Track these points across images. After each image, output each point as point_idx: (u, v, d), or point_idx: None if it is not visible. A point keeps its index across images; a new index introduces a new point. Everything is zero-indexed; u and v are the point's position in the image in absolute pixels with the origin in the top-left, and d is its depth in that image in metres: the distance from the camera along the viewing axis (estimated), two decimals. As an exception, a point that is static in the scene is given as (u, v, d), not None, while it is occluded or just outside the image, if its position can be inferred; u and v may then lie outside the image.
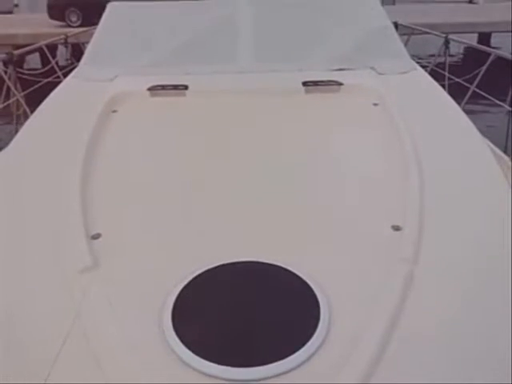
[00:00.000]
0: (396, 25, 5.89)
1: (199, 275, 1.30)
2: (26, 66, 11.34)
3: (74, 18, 13.62)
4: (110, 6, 3.24)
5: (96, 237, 1.49)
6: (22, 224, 1.63)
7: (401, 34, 5.91)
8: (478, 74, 4.61)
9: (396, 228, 1.52)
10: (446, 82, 4.78)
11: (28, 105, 4.48)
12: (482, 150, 2.08)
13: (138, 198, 1.73)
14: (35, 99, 3.61)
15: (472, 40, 13.58)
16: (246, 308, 1.23)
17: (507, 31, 12.20)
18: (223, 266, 1.33)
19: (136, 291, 1.31)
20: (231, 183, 1.79)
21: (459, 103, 2.82)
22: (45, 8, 14.25)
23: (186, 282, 1.28)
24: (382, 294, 1.26)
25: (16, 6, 27.97)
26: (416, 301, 1.26)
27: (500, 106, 4.31)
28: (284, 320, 1.19)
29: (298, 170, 1.90)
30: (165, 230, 1.56)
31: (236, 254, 1.37)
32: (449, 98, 2.62)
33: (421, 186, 1.70)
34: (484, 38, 13.85)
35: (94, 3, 12.16)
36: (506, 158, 2.30)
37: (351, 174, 1.88)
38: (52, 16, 13.88)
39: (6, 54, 4.53)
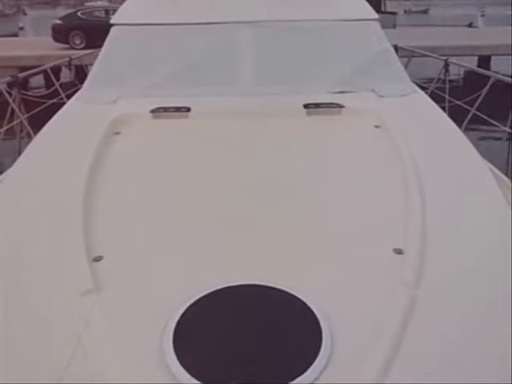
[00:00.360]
0: (396, 48, 5.97)
1: (200, 299, 1.29)
2: (29, 86, 11.50)
3: (77, 41, 13.84)
4: (113, 30, 3.29)
5: (98, 259, 1.48)
6: (26, 245, 1.63)
7: (401, 57, 5.99)
8: (478, 97, 4.65)
9: (398, 251, 1.51)
10: (447, 104, 4.81)
11: (31, 125, 4.52)
12: (483, 172, 2.08)
13: (141, 220, 1.73)
14: (39, 120, 3.65)
15: (472, 63, 13.77)
16: (248, 332, 1.21)
17: (507, 54, 12.33)
18: (224, 289, 1.32)
19: (137, 315, 1.30)
20: (232, 205, 1.79)
21: (460, 125, 2.83)
22: (49, 31, 14.49)
23: (187, 305, 1.27)
24: (383, 318, 1.25)
25: (21, 28, 28.54)
26: (418, 325, 1.25)
27: (500, 128, 4.33)
28: (286, 344, 1.17)
29: (299, 191, 1.90)
30: (167, 253, 1.56)
31: (237, 277, 1.36)
32: (449, 120, 2.63)
33: (422, 209, 1.70)
34: (484, 60, 14.00)
35: (97, 26, 12.41)
36: (507, 179, 2.31)
37: (353, 196, 1.87)
38: (56, 39, 14.12)
39: (11, 76, 4.59)
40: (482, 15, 22.13)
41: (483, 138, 6.18)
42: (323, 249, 1.57)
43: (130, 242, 1.61)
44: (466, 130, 4.20)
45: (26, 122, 4.45)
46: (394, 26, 21.72)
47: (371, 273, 1.45)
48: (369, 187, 1.93)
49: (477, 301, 1.39)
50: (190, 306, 1.27)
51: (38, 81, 11.09)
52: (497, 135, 5.21)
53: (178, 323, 1.22)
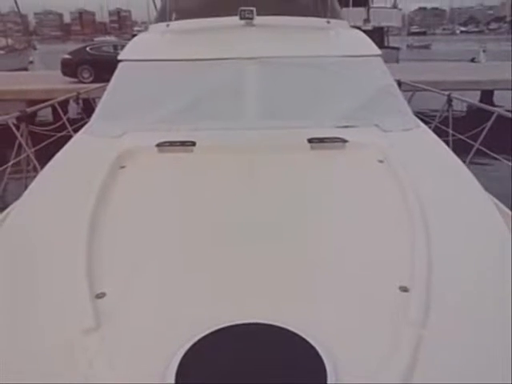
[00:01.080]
0: (399, 83, 6.05)
1: (203, 338, 1.27)
2: (38, 118, 11.68)
3: (86, 75, 14.14)
4: (120, 65, 3.35)
5: (101, 296, 1.47)
6: (29, 281, 1.63)
7: (404, 91, 6.07)
8: (481, 131, 4.68)
9: (403, 289, 1.49)
10: (450, 138, 4.84)
11: (39, 158, 4.57)
12: (487, 207, 2.07)
13: (144, 256, 1.72)
14: (46, 153, 3.69)
15: (475, 97, 13.93)
16: (251, 372, 1.19)
17: (509, 89, 12.48)
18: (228, 327, 1.30)
19: (138, 355, 1.28)
20: (237, 242, 1.78)
21: (463, 159, 2.84)
22: (58, 65, 14.83)
23: (188, 345, 1.25)
24: (390, 359, 1.23)
25: (31, 62, 29.23)
26: (426, 365, 1.23)
27: (504, 160, 4.35)
28: None
29: (303, 227, 1.88)
30: (170, 291, 1.54)
31: (241, 315, 1.34)
32: (453, 155, 2.64)
33: (427, 245, 1.68)
34: (487, 95, 14.15)
35: (105, 61, 12.70)
36: (511, 213, 2.29)
37: (357, 232, 1.86)
38: (65, 73, 14.44)
39: (20, 111, 4.68)
40: (484, 50, 22.44)
41: (487, 172, 6.19)
42: (328, 286, 1.55)
43: (133, 278, 1.60)
44: (469, 164, 4.22)
45: (32, 156, 4.50)
46: (397, 61, 22.13)
47: (376, 311, 1.43)
48: (373, 223, 1.92)
49: (484, 340, 1.36)
50: (193, 345, 1.24)
51: (46, 113, 11.27)
52: (500, 168, 5.23)
53: (181, 363, 1.20)
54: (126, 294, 1.52)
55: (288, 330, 1.29)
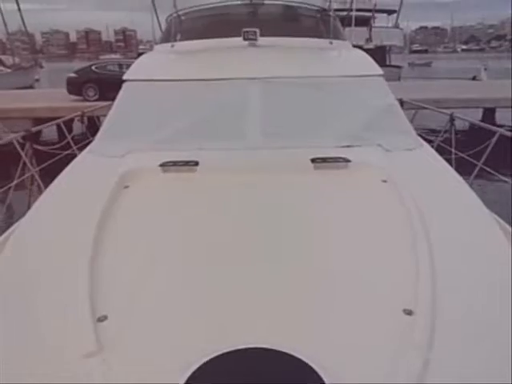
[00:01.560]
0: (401, 102, 6.08)
1: (205, 363, 1.26)
2: (42, 136, 11.77)
3: (91, 93, 14.26)
4: (125, 85, 3.39)
5: (102, 319, 1.47)
6: (30, 302, 1.62)
7: (407, 109, 6.09)
8: (483, 149, 4.69)
9: (408, 312, 1.48)
10: (453, 157, 4.85)
11: (42, 176, 4.60)
12: (491, 227, 2.07)
13: (147, 278, 1.71)
14: (50, 171, 3.71)
15: (477, 114, 13.97)
16: None
17: (510, 107, 12.51)
18: (230, 353, 1.29)
19: (140, 380, 1.27)
20: (240, 265, 1.77)
21: (466, 176, 2.84)
22: (64, 82, 14.99)
23: (190, 371, 1.24)
24: (396, 382, 1.22)
25: (37, 80, 29.56)
26: None
27: (504, 179, 4.36)
28: None
29: (306, 248, 1.88)
30: (171, 314, 1.53)
31: (243, 340, 1.33)
32: (455, 174, 2.65)
33: (431, 267, 1.68)
34: (489, 112, 14.20)
35: (109, 79, 12.83)
36: None
37: (361, 254, 1.85)
38: (70, 91, 14.57)
39: (25, 131, 4.73)
40: (485, 68, 22.57)
41: (489, 190, 6.18)
42: (331, 309, 1.54)
43: (135, 301, 1.59)
44: (472, 181, 4.22)
45: (37, 176, 4.52)
46: (399, 79, 22.29)
47: (381, 335, 1.42)
48: (377, 244, 1.91)
49: (490, 363, 1.35)
50: (195, 371, 1.23)
51: (51, 131, 11.36)
52: (503, 187, 5.23)
53: None
54: (127, 317, 1.51)
55: (290, 355, 1.28)
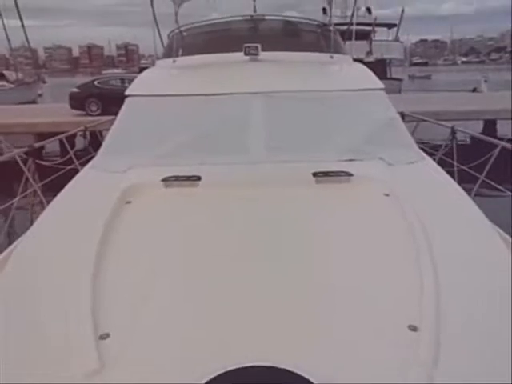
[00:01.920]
0: (403, 115, 6.10)
1: (208, 382, 1.24)
2: (45, 150, 11.81)
3: (93, 108, 14.36)
4: (127, 101, 3.41)
5: (104, 337, 1.46)
6: (32, 319, 1.61)
7: (408, 121, 6.11)
8: (485, 161, 4.70)
9: (412, 328, 1.46)
10: (455, 169, 4.85)
11: (45, 191, 4.61)
12: (494, 241, 2.06)
13: (149, 295, 1.70)
14: (53, 187, 3.72)
15: (478, 126, 14.00)
16: None
17: (510, 119, 12.54)
18: (233, 371, 1.27)
19: None
20: (243, 281, 1.76)
21: (468, 188, 2.84)
22: (67, 97, 15.09)
23: None
24: None
25: (40, 95, 29.79)
26: None
27: (507, 191, 4.36)
28: None
29: (309, 264, 1.87)
30: (174, 332, 1.52)
31: (246, 358, 1.32)
32: (457, 187, 2.64)
33: (435, 281, 1.66)
34: (490, 124, 14.22)
35: (112, 94, 12.90)
36: None
37: (364, 269, 1.84)
38: (73, 106, 14.67)
39: (28, 146, 4.76)
40: (486, 80, 22.64)
41: (491, 202, 6.16)
42: (336, 326, 1.53)
43: (137, 318, 1.58)
44: (475, 193, 4.22)
45: (39, 191, 4.53)
46: (400, 91, 22.39)
47: (386, 351, 1.40)
48: (379, 259, 1.90)
49: (495, 379, 1.34)
50: None
51: (54, 145, 11.42)
52: (506, 199, 5.23)
53: None
54: (130, 334, 1.50)
55: (293, 373, 1.26)
